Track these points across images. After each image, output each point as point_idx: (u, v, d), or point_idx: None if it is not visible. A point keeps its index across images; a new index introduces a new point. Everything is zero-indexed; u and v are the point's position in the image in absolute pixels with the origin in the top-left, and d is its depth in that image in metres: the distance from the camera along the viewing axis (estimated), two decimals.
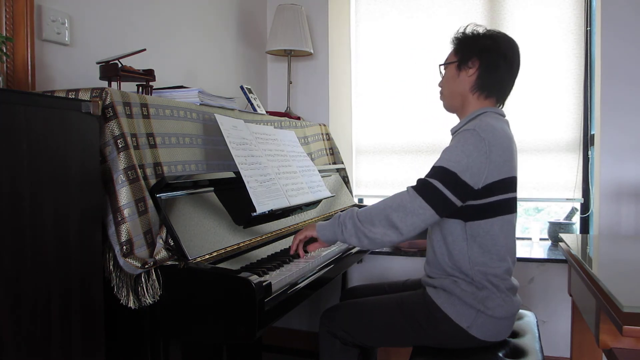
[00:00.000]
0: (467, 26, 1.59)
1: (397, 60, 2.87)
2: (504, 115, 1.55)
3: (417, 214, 1.37)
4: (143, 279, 1.21)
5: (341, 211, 2.23)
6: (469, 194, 1.39)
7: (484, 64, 1.51)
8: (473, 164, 1.37)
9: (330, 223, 1.50)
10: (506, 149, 1.42)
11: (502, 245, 1.45)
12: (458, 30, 1.60)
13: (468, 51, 1.54)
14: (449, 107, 1.62)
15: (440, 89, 1.63)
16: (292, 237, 1.72)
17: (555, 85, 2.58)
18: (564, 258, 2.11)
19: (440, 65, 1.63)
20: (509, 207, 1.47)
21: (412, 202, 1.38)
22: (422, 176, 1.42)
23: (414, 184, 1.42)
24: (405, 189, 1.42)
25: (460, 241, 1.45)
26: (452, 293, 1.44)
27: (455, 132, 1.55)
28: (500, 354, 1.43)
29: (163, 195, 1.31)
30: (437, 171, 1.39)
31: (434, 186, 1.37)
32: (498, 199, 1.42)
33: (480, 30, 1.56)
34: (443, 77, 1.63)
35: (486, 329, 1.43)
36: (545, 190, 2.60)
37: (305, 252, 1.60)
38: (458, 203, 1.39)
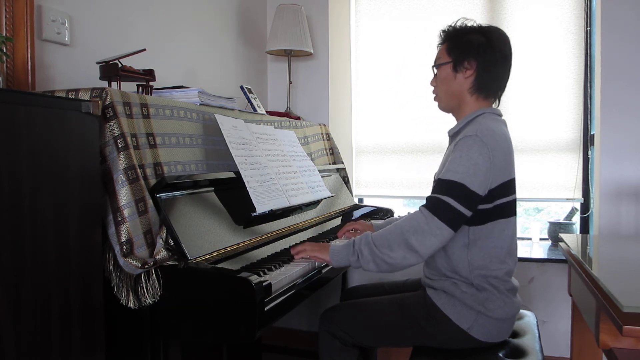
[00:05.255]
0: (456, 21, 1.55)
1: (397, 61, 2.87)
2: (500, 115, 1.53)
3: (435, 234, 1.34)
4: (143, 279, 1.20)
5: (342, 212, 2.24)
6: (477, 202, 1.38)
7: (481, 63, 1.48)
8: (479, 171, 1.35)
9: (345, 249, 1.43)
10: (506, 152, 1.42)
11: (503, 247, 1.44)
12: (448, 26, 1.55)
13: (463, 51, 1.49)
14: (446, 108, 1.59)
15: (432, 88, 1.60)
16: (291, 237, 1.73)
17: (555, 85, 2.58)
18: (564, 258, 2.11)
19: (433, 66, 1.59)
20: (510, 209, 1.46)
21: (428, 223, 1.34)
22: (430, 193, 1.39)
23: (425, 202, 1.39)
24: (418, 209, 1.39)
25: (460, 247, 1.43)
26: (453, 295, 1.44)
27: (454, 134, 1.53)
28: (501, 354, 1.43)
29: (163, 195, 1.31)
30: (446, 185, 1.36)
31: (447, 203, 1.34)
32: (501, 202, 1.42)
33: (471, 24, 1.52)
34: (436, 78, 1.58)
35: (486, 330, 1.42)
36: (545, 190, 2.60)
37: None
38: (469, 214, 1.37)
